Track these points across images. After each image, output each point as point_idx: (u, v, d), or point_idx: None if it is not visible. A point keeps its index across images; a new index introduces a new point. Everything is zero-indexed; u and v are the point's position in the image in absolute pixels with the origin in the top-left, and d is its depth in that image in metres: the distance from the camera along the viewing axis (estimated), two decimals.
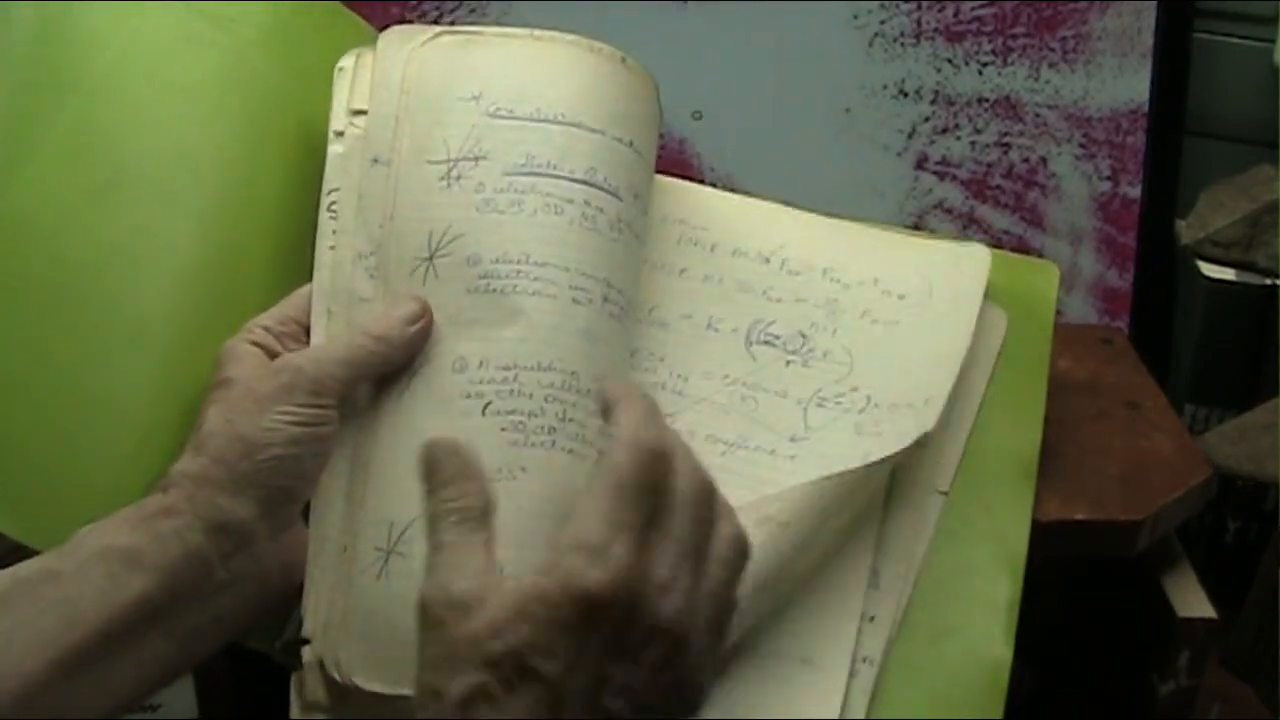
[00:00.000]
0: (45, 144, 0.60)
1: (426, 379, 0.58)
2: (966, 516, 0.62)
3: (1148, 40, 0.94)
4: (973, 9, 0.95)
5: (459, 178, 0.61)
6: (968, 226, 0.97)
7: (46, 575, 0.52)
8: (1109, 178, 0.96)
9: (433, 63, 0.63)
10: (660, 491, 0.48)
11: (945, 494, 0.62)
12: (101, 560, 0.52)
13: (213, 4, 0.65)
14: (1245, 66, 0.96)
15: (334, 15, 0.71)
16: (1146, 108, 0.95)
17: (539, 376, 0.58)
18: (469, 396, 0.58)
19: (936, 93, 0.96)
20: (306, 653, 0.57)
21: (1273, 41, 0.92)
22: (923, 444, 0.59)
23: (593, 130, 0.62)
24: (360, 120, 0.63)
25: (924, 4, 0.95)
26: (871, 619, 0.59)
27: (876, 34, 0.96)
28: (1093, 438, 0.72)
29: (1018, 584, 0.61)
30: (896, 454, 0.59)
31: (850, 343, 0.64)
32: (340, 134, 0.63)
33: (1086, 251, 0.97)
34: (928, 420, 0.60)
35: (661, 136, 0.67)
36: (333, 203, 0.62)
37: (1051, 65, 0.95)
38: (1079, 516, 0.66)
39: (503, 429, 0.57)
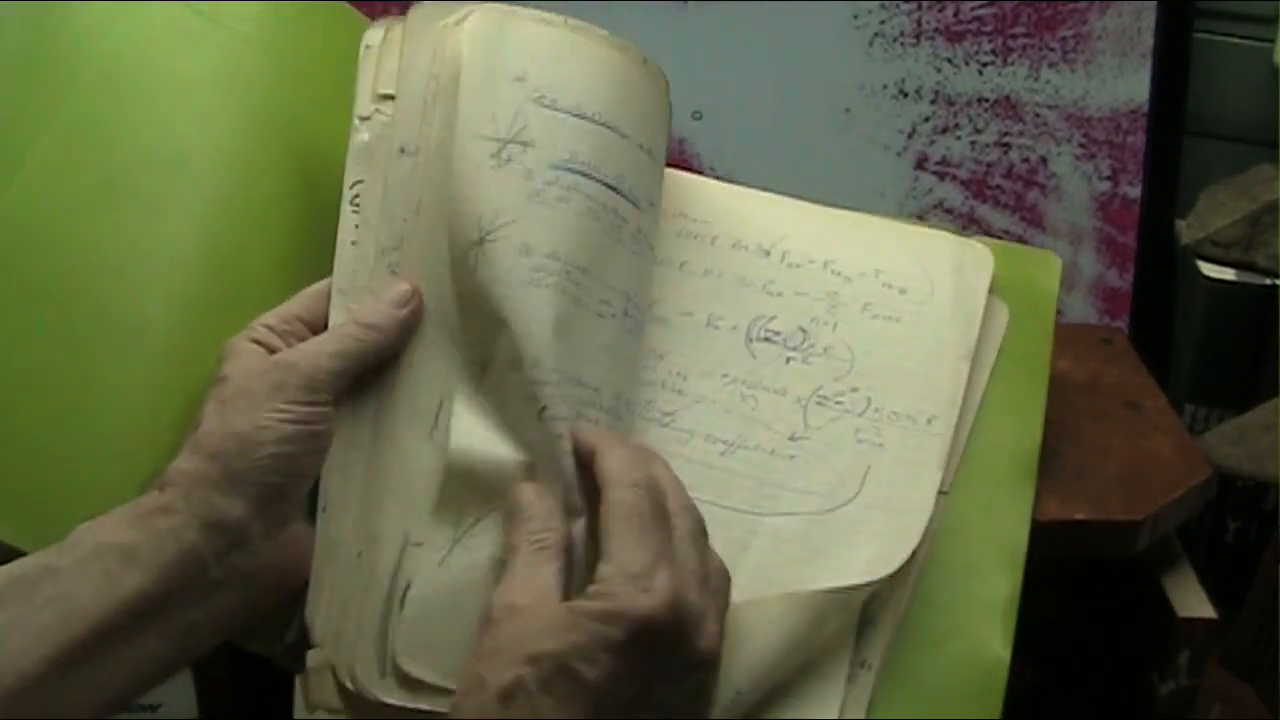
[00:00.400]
0: (41, 144, 0.60)
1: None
2: (966, 517, 0.62)
3: (1148, 40, 0.94)
4: (973, 9, 0.95)
5: (509, 160, 0.57)
6: (968, 226, 0.97)
7: (43, 572, 0.52)
8: (1109, 178, 0.96)
9: (473, 38, 0.59)
10: (668, 526, 0.53)
11: (945, 494, 0.62)
12: (98, 557, 0.52)
13: (210, 2, 0.65)
14: (1245, 66, 0.96)
15: (334, 12, 0.70)
16: (1146, 108, 0.95)
17: (570, 390, 0.57)
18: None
19: (936, 93, 0.96)
20: (314, 656, 0.57)
21: (1273, 41, 0.92)
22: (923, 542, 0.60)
23: (623, 136, 0.60)
24: (387, 107, 0.60)
25: (924, 4, 0.95)
26: (871, 623, 0.59)
27: (876, 34, 0.96)
28: (1093, 438, 0.72)
29: (1016, 585, 0.61)
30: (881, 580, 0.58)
31: (851, 338, 0.64)
32: (365, 119, 0.60)
33: (1086, 251, 0.97)
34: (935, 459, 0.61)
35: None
36: (355, 196, 0.60)
37: (1051, 65, 0.95)
38: (1079, 516, 0.66)
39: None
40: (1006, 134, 0.96)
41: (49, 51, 0.61)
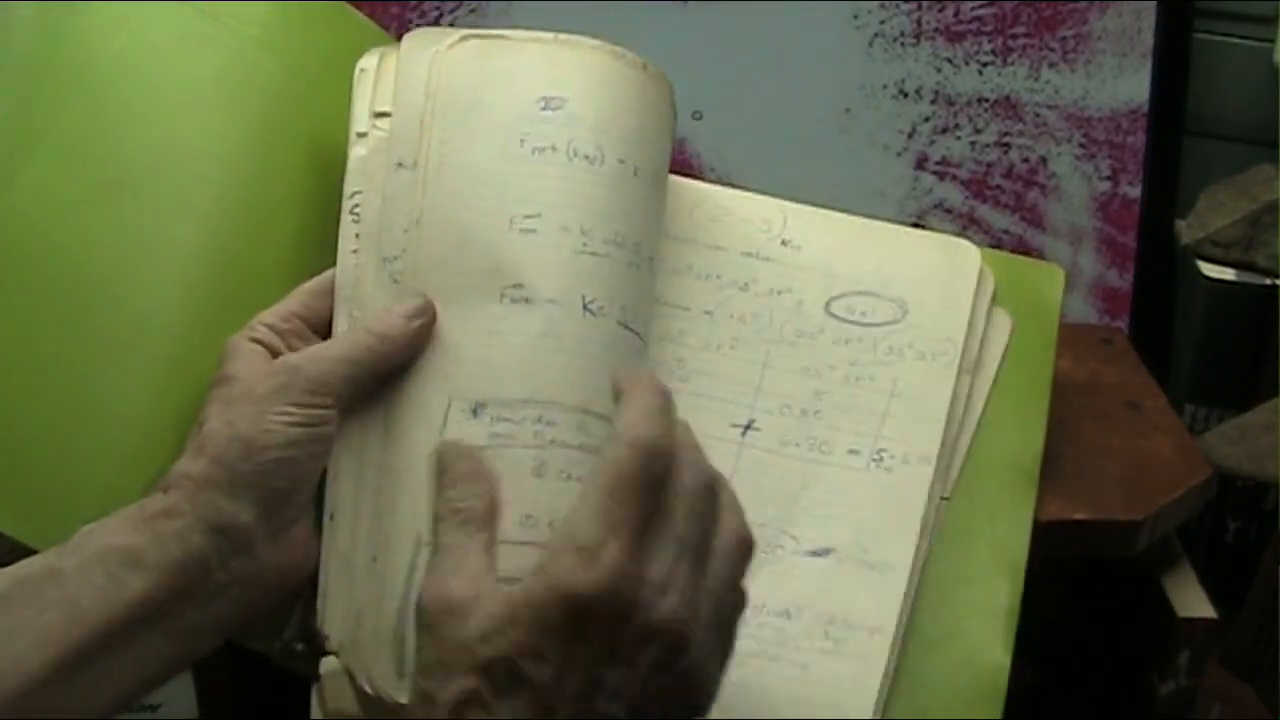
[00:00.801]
0: (47, 143, 0.60)
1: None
2: (967, 522, 0.62)
3: (1148, 40, 0.94)
4: (973, 9, 0.95)
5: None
6: (968, 226, 0.96)
7: (47, 574, 0.52)
8: (1109, 178, 0.96)
9: (461, 66, 0.62)
10: (661, 489, 0.47)
11: (947, 500, 0.62)
12: (102, 560, 0.52)
13: (215, 2, 0.65)
14: (1245, 66, 0.96)
15: (338, 13, 0.70)
16: (1146, 108, 0.95)
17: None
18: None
19: (936, 93, 0.96)
20: (329, 662, 0.57)
21: (1273, 41, 0.92)
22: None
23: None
24: (383, 123, 0.62)
25: (924, 4, 0.95)
26: (878, 631, 0.59)
27: (876, 34, 0.96)
28: (1093, 438, 0.72)
29: (1017, 591, 0.61)
30: None
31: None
32: (363, 135, 0.62)
33: (1086, 251, 0.97)
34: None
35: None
36: (355, 206, 0.61)
37: (1051, 65, 0.95)
38: (1079, 516, 0.66)
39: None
40: (1006, 134, 0.96)
41: (57, 51, 0.61)
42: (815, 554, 0.60)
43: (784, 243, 0.66)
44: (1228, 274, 0.88)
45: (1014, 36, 0.95)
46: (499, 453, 0.55)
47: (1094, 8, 0.94)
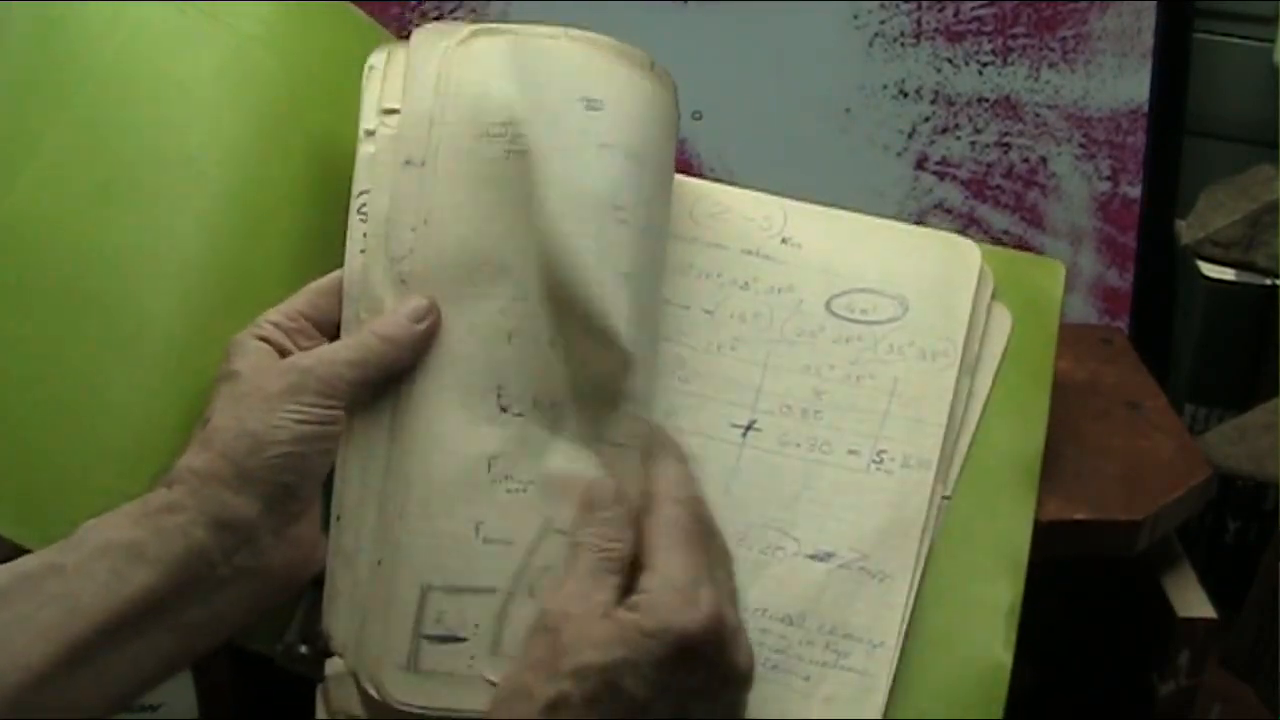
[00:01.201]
0: (47, 142, 0.60)
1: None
2: (969, 521, 0.62)
3: (1148, 40, 0.94)
4: (973, 9, 0.95)
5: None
6: (968, 226, 0.96)
7: (49, 569, 0.52)
8: (1109, 178, 0.96)
9: (472, 62, 0.61)
10: (707, 543, 0.54)
11: (948, 498, 0.62)
12: (104, 555, 0.52)
13: (216, 2, 0.65)
14: (1245, 66, 0.96)
15: (339, 12, 0.70)
16: (1146, 108, 0.95)
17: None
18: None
19: (936, 93, 0.96)
20: (334, 664, 0.57)
21: (1273, 41, 0.92)
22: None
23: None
24: (392, 120, 0.61)
25: (924, 4, 0.95)
26: (880, 644, 0.59)
27: (876, 34, 0.96)
28: (1093, 438, 0.72)
29: (1019, 589, 0.61)
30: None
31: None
32: (371, 133, 0.62)
33: (1086, 251, 0.97)
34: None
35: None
36: (363, 205, 0.61)
37: (1051, 65, 0.95)
38: (1079, 516, 0.66)
39: None
40: (1006, 134, 0.96)
41: (55, 51, 0.61)
42: (816, 557, 0.60)
43: (784, 240, 0.66)
44: (1228, 274, 0.88)
45: (1014, 36, 0.95)
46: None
47: (1094, 8, 0.94)
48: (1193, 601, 0.69)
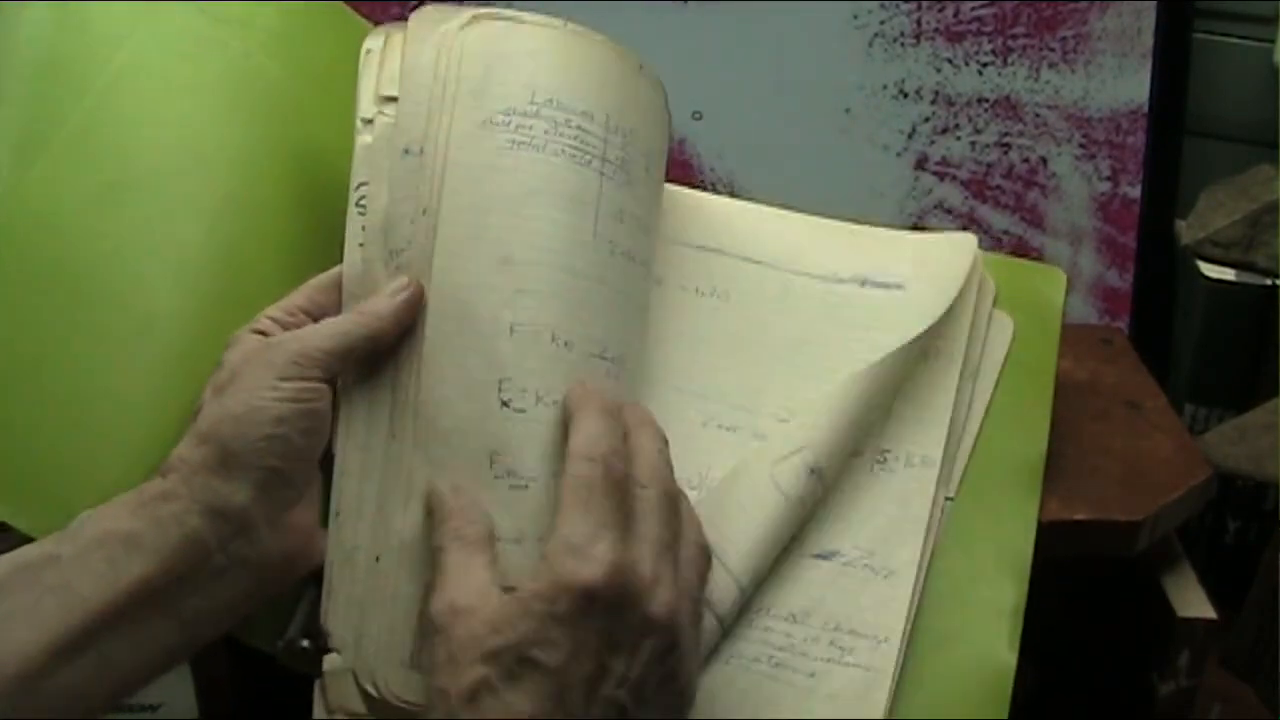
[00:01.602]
0: (58, 140, 0.61)
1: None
2: (972, 523, 0.62)
3: (1148, 40, 0.94)
4: (973, 9, 0.95)
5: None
6: (968, 226, 0.97)
7: (46, 560, 0.52)
8: (1109, 178, 0.96)
9: (473, 47, 0.60)
10: (626, 492, 0.52)
11: (951, 499, 0.62)
12: (101, 545, 0.53)
13: (222, 5, 0.66)
14: (1245, 66, 0.96)
15: (339, 16, 0.71)
16: (1146, 108, 0.95)
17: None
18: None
19: (936, 93, 0.96)
20: (332, 660, 0.57)
21: (1273, 41, 0.92)
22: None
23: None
24: (390, 108, 0.60)
25: (924, 4, 0.95)
26: (884, 640, 0.59)
27: (876, 34, 0.96)
28: (1093, 438, 0.72)
29: (1022, 591, 0.61)
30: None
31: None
32: (369, 122, 0.61)
33: (1086, 251, 0.97)
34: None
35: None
36: (361, 197, 0.60)
37: (1051, 65, 0.95)
38: (1079, 516, 0.66)
39: None
40: (1006, 134, 0.96)
41: (65, 53, 0.62)
42: (821, 556, 0.60)
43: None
44: (1228, 274, 0.88)
45: (1014, 37, 0.95)
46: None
47: (1094, 8, 0.94)
48: (1193, 601, 0.69)
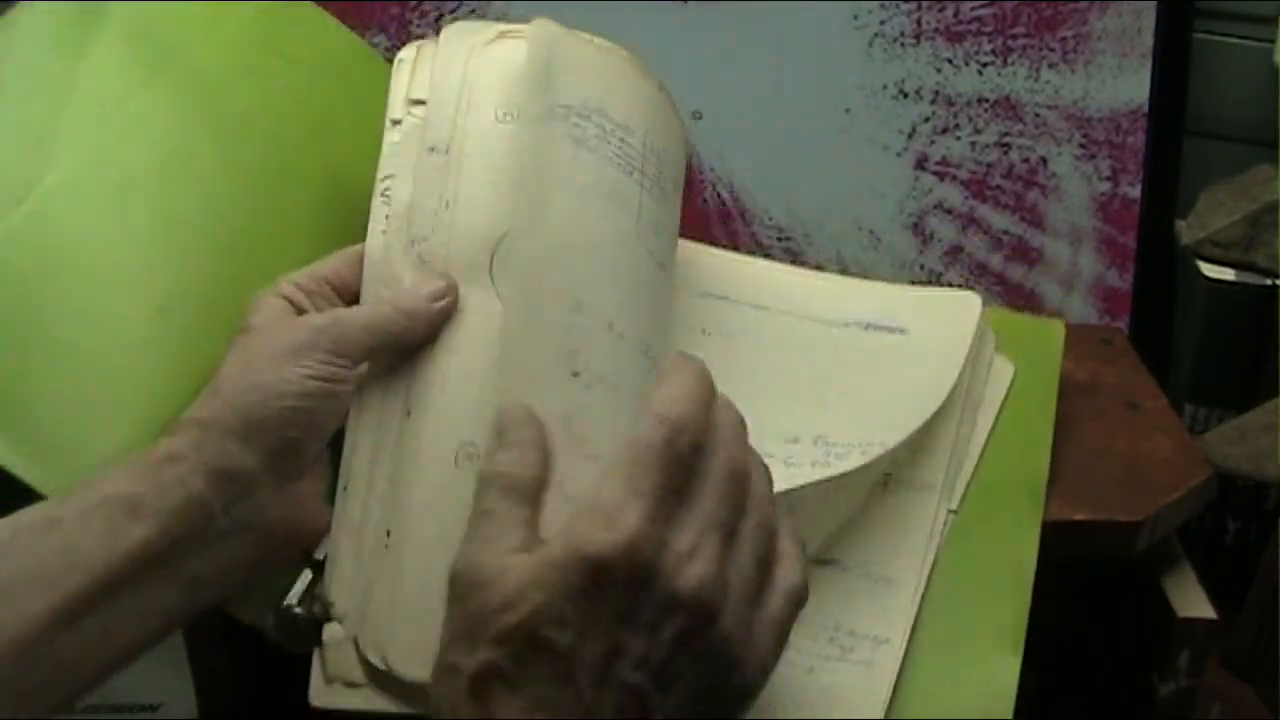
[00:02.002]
0: (71, 145, 0.62)
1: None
2: (975, 534, 0.62)
3: (1148, 40, 0.94)
4: (973, 9, 0.95)
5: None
6: (968, 226, 0.97)
7: (47, 522, 0.52)
8: (1109, 178, 0.96)
9: (498, 60, 0.63)
10: (686, 465, 0.47)
11: (954, 513, 0.62)
12: (102, 507, 0.53)
13: (222, 3, 0.69)
14: (1245, 66, 0.96)
15: (317, 16, 0.75)
16: (1146, 108, 0.95)
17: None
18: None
19: (936, 93, 0.96)
20: (332, 630, 0.57)
21: (1273, 41, 0.92)
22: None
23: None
24: (418, 110, 0.63)
25: (924, 4, 0.95)
26: (886, 641, 0.59)
27: (876, 34, 0.96)
28: (1093, 438, 0.72)
29: (1025, 602, 0.61)
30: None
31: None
32: (398, 122, 0.64)
33: (1086, 251, 0.97)
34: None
35: None
36: (386, 189, 0.63)
37: (1051, 65, 0.95)
38: (1079, 517, 0.66)
39: None
40: (1006, 134, 0.96)
41: (79, 59, 0.65)
42: (821, 562, 0.60)
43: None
44: (1228, 274, 0.88)
45: (1014, 37, 0.95)
46: None
47: (1094, 8, 0.94)
48: (1193, 601, 0.69)
